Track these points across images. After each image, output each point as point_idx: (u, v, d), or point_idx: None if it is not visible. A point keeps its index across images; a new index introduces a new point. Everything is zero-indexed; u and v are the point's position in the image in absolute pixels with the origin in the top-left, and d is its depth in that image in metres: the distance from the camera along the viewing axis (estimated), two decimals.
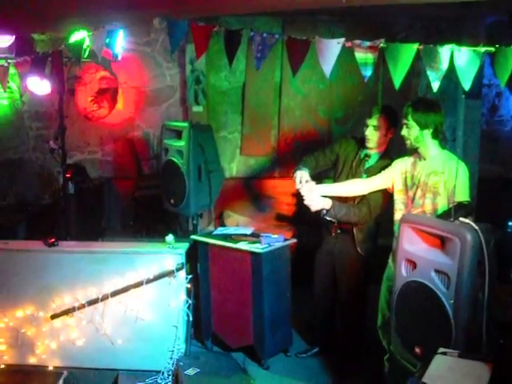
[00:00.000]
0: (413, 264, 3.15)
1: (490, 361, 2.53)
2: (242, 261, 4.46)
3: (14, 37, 5.91)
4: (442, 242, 3.00)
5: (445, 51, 3.21)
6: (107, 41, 4.17)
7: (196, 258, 4.84)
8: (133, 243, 5.13)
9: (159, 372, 4.60)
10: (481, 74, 5.10)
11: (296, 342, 4.86)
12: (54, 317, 4.67)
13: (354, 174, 4.30)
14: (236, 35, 3.57)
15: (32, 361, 4.77)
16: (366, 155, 4.33)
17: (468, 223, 2.93)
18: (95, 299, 4.59)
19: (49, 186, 7.54)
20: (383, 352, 3.99)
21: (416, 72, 5.99)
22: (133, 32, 6.57)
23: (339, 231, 4.41)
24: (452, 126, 6.80)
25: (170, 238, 4.63)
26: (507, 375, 2.45)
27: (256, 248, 4.33)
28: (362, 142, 4.38)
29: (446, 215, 3.13)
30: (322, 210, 4.11)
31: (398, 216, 3.86)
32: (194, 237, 4.84)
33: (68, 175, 6.30)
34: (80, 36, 4.34)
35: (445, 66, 3.21)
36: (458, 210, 3.09)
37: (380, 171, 4.09)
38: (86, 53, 4.35)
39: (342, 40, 3.33)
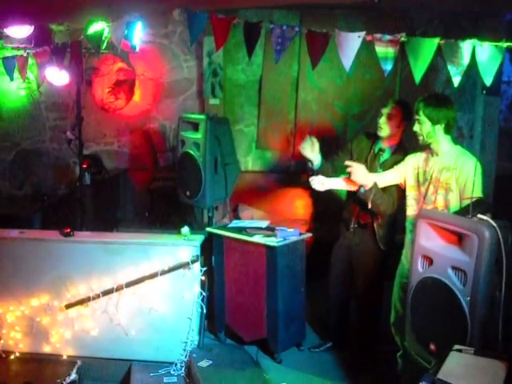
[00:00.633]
0: (429, 260, 3.13)
1: (506, 359, 2.50)
2: (256, 254, 4.45)
3: (32, 27, 5.93)
4: (460, 239, 2.97)
5: (466, 46, 3.17)
6: (125, 32, 4.17)
7: (211, 250, 4.85)
8: (148, 234, 5.16)
9: (172, 363, 4.63)
10: (500, 71, 5.04)
11: (309, 336, 4.85)
12: (68, 306, 4.71)
13: (369, 169, 4.26)
14: (256, 27, 3.56)
15: (46, 349, 4.82)
16: (380, 149, 4.31)
17: (486, 220, 2.90)
18: (110, 290, 4.62)
19: (65, 176, 7.59)
20: (396, 348, 3.98)
21: (434, 67, 5.94)
22: (151, 24, 6.59)
23: (356, 226, 4.38)
24: (470, 122, 6.74)
25: (185, 229, 4.64)
26: None
27: (271, 241, 4.32)
28: (375, 137, 4.36)
29: (463, 212, 3.10)
30: (361, 186, 4.04)
31: (409, 212, 3.85)
32: (209, 229, 4.84)
33: (84, 166, 6.34)
34: (99, 27, 4.36)
35: (466, 61, 3.17)
36: (476, 206, 3.06)
37: (396, 164, 4.07)
38: (105, 44, 4.36)
39: (363, 33, 3.29)
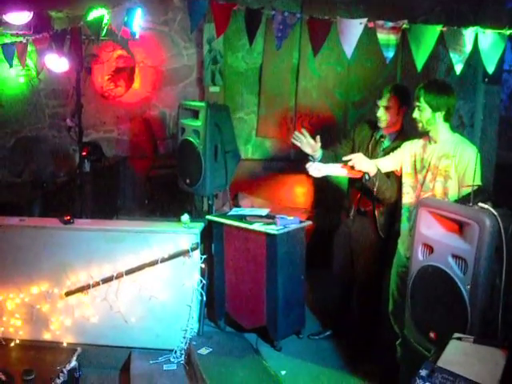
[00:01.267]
0: (430, 248, 3.12)
1: (506, 347, 2.51)
2: (256, 242, 4.45)
3: (31, 14, 5.90)
4: (460, 227, 2.97)
5: (469, 33, 3.15)
6: (125, 19, 4.14)
7: (211, 238, 4.85)
8: (148, 222, 5.15)
9: (172, 351, 4.65)
10: (502, 59, 5.02)
11: (309, 324, 4.85)
12: (68, 294, 4.72)
13: (370, 155, 4.24)
14: (257, 14, 3.53)
15: (46, 337, 4.83)
16: (382, 136, 4.30)
17: (487, 208, 2.90)
18: (110, 277, 4.63)
19: (64, 163, 7.58)
20: (395, 337, 3.99)
21: (435, 56, 5.91)
22: (150, 11, 6.56)
23: (356, 213, 4.38)
24: (470, 111, 6.72)
25: (185, 217, 4.64)
26: None
27: (271, 229, 4.32)
28: (376, 125, 4.34)
29: (464, 200, 3.09)
30: (365, 173, 3.97)
31: (405, 199, 3.83)
32: (209, 217, 4.83)
33: (84, 153, 6.34)
34: (99, 13, 4.32)
35: (468, 48, 3.15)
36: (476, 195, 3.05)
37: None
38: (104, 31, 4.33)
39: (365, 20, 3.27)
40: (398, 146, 4.05)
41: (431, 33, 3.20)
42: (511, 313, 2.94)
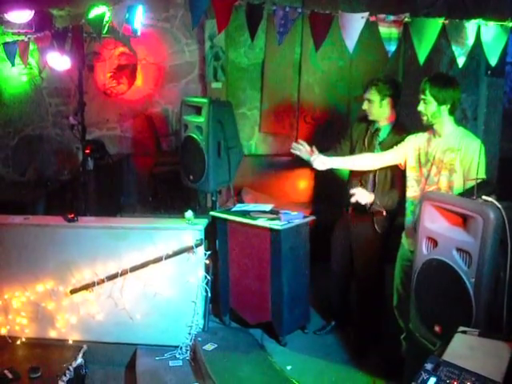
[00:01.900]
0: (434, 242, 3.12)
1: (511, 340, 2.51)
2: (260, 237, 4.45)
3: (33, 12, 5.89)
4: (464, 220, 2.96)
5: (471, 26, 3.14)
6: (126, 16, 4.14)
7: (215, 234, 4.84)
8: (152, 219, 5.16)
9: (177, 347, 4.66)
10: (504, 52, 5.00)
11: (314, 318, 4.86)
12: (73, 291, 4.73)
13: (367, 149, 4.30)
14: (258, 9, 3.52)
15: (52, 334, 4.85)
16: (377, 129, 4.32)
17: (491, 201, 2.89)
18: (114, 274, 4.64)
19: (68, 162, 7.60)
20: (400, 331, 3.99)
21: (438, 49, 5.89)
22: (152, 7, 6.56)
23: (354, 207, 4.40)
24: (474, 104, 6.70)
25: (189, 213, 4.65)
26: None
27: (275, 225, 4.32)
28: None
29: (468, 193, 3.09)
30: (366, 204, 4.12)
31: (410, 193, 3.84)
32: (212, 213, 4.84)
33: (87, 151, 6.33)
34: (100, 11, 4.32)
35: (471, 41, 3.15)
36: (480, 188, 3.04)
37: (395, 143, 4.05)
38: (106, 28, 4.33)
39: (366, 14, 3.26)
40: (395, 140, 4.07)
41: (433, 26, 3.19)
42: None
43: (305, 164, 4.42)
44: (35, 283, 4.78)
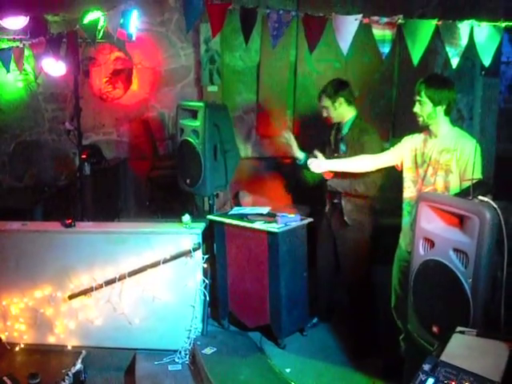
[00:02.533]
0: (431, 243, 3.12)
1: (509, 340, 2.51)
2: (258, 240, 4.46)
3: (27, 18, 5.90)
4: (461, 221, 2.96)
5: (464, 27, 3.16)
6: (121, 21, 4.15)
7: (212, 237, 4.85)
8: (149, 223, 5.16)
9: (176, 351, 4.66)
10: (499, 52, 5.01)
11: None
12: (71, 297, 4.73)
13: (333, 146, 4.56)
14: (252, 13, 3.53)
15: (51, 340, 4.85)
16: (339, 123, 4.53)
17: (487, 202, 2.90)
18: (112, 279, 4.64)
19: (65, 167, 7.59)
20: (398, 332, 3.99)
21: (432, 49, 5.91)
22: (147, 12, 6.56)
23: (332, 202, 4.56)
24: (469, 104, 6.71)
25: (186, 218, 4.65)
26: None
27: (272, 227, 4.33)
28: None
29: (464, 193, 3.09)
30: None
31: (406, 194, 3.85)
32: (210, 217, 4.84)
33: (84, 156, 6.34)
34: (94, 16, 4.32)
35: (464, 41, 3.16)
36: (476, 188, 3.05)
37: (356, 135, 4.30)
38: (101, 33, 4.33)
39: (360, 16, 3.28)
40: (355, 132, 4.35)
41: (426, 27, 3.21)
42: None
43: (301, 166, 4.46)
44: (33, 289, 4.77)
